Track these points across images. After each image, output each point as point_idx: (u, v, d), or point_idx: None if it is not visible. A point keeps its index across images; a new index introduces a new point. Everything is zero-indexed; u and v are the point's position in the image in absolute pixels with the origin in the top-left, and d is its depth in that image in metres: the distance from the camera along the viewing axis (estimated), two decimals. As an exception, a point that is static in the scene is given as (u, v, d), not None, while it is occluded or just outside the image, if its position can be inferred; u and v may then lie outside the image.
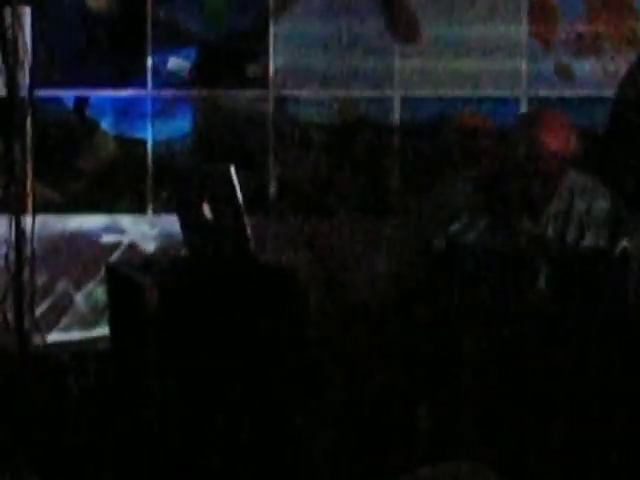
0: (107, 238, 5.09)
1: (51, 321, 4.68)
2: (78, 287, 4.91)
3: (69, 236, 4.86)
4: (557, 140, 3.63)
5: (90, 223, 4.94)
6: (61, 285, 4.94)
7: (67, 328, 4.85)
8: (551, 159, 3.60)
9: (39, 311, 4.34)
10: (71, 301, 4.91)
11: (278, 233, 4.83)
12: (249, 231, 3.46)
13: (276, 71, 4.91)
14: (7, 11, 4.29)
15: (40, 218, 4.09)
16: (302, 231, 4.84)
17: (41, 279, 4.43)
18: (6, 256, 3.96)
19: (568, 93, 4.80)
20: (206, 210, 3.68)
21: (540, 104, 4.76)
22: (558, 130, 3.66)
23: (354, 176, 5.02)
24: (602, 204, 3.78)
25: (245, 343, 3.43)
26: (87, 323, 4.92)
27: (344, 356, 4.01)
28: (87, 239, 4.97)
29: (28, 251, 4.00)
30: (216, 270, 3.63)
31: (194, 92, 5.06)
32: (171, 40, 4.91)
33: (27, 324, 4.13)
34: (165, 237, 4.90)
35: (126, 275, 3.75)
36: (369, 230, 4.92)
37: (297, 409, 3.49)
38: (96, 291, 4.88)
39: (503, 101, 4.91)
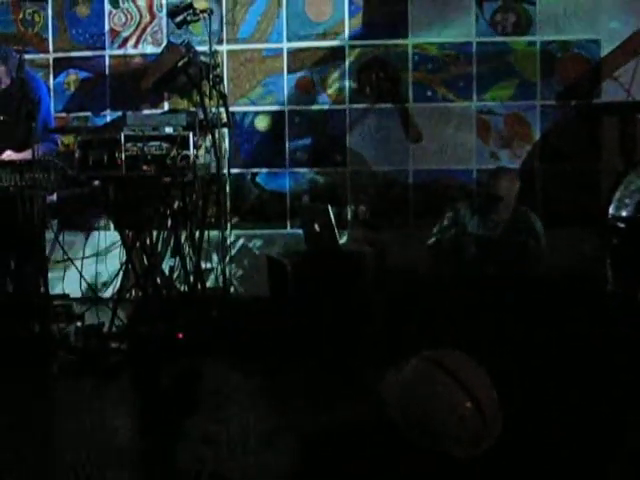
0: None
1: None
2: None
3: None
4: (507, 181, 5.33)
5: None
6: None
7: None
8: (503, 193, 5.26)
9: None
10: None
11: (358, 237, 6.29)
12: (337, 235, 5.21)
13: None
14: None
15: None
16: (368, 236, 6.27)
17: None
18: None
19: (493, 165, 6.27)
20: (316, 227, 5.46)
21: (488, 170, 6.08)
22: (509, 177, 5.39)
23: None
24: (531, 226, 5.33)
25: (336, 297, 4.94)
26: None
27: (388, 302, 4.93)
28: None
29: None
30: (322, 255, 5.34)
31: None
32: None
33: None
34: (295, 240, 6.18)
35: (276, 260, 5.57)
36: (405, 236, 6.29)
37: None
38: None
39: (465, 171, 6.47)
